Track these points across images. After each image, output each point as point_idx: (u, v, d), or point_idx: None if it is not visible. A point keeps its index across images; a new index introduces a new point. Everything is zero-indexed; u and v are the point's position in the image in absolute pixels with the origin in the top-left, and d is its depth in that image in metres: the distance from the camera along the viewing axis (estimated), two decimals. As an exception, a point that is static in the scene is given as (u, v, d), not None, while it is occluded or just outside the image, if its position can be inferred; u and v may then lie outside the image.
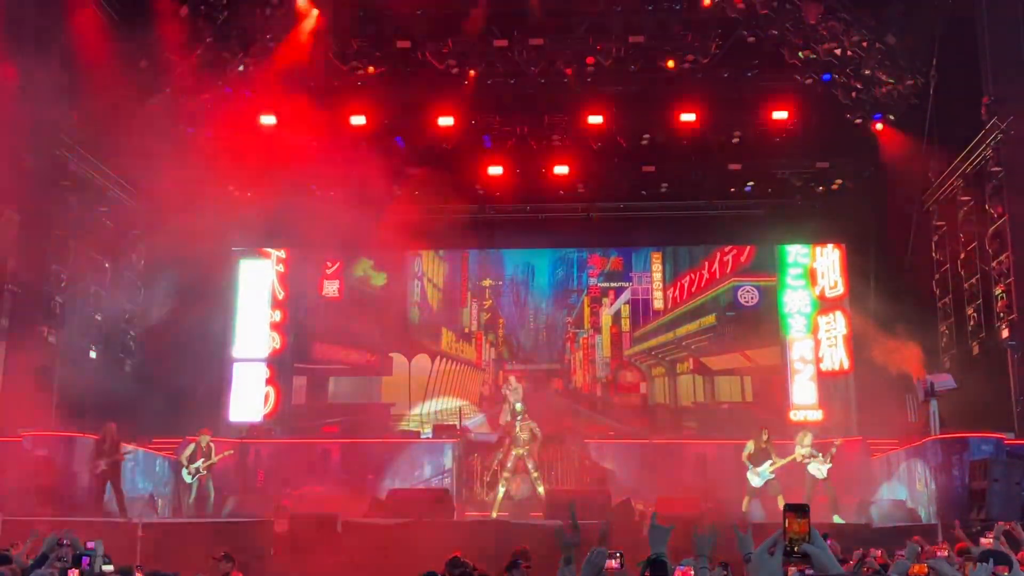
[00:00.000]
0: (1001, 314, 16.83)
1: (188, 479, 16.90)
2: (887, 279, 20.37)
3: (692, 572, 6.06)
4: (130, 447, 16.61)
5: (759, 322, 22.72)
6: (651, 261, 23.49)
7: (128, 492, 16.36)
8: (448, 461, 20.26)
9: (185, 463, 16.96)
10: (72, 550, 7.55)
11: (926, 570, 6.00)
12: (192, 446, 17.10)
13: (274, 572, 13.33)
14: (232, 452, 17.91)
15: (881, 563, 8.77)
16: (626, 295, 23.42)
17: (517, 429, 18.74)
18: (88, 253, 18.84)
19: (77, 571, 6.62)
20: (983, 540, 9.57)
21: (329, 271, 23.61)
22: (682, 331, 23.02)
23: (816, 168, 22.12)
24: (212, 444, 17.29)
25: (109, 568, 7.63)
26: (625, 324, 23.30)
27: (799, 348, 22.40)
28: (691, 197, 22.74)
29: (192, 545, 12.54)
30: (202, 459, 16.92)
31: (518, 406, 18.99)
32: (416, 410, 22.80)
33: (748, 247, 22.98)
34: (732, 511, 16.02)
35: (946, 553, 8.74)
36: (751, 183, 22.49)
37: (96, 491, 15.87)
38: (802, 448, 16.44)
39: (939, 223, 20.20)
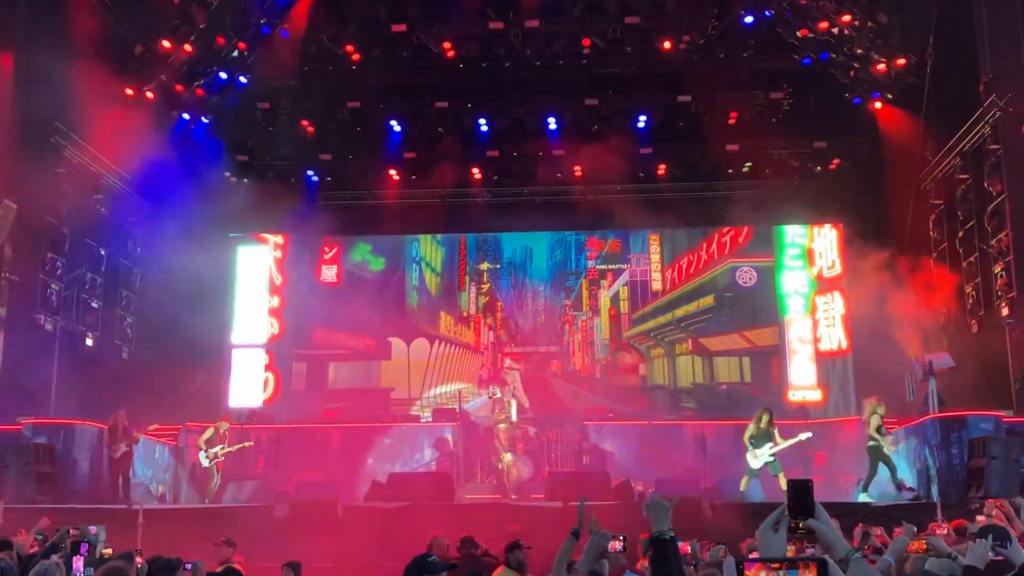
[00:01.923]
0: (1000, 292, 16.83)
1: (206, 463, 16.89)
2: (885, 258, 20.34)
3: (690, 548, 6.11)
4: (140, 435, 16.70)
5: (757, 303, 22.72)
6: (649, 243, 23.47)
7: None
8: (448, 444, 20.31)
9: (203, 447, 16.94)
10: (81, 538, 7.56)
11: (924, 547, 6.05)
12: (211, 431, 17.11)
13: (275, 557, 13.34)
14: (252, 444, 17.83)
15: (881, 542, 8.79)
16: (624, 277, 23.41)
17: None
18: (84, 241, 18.81)
19: (81, 559, 6.61)
20: (979, 518, 9.61)
21: (327, 256, 23.58)
22: (680, 312, 23.01)
23: (813, 148, 22.10)
24: (229, 432, 17.29)
25: (109, 552, 7.66)
26: (624, 306, 23.30)
27: (797, 328, 22.40)
28: (688, 178, 22.71)
29: (193, 531, 12.57)
30: (221, 445, 16.93)
31: (490, 389, 19.02)
32: (416, 394, 22.83)
33: (746, 228, 22.95)
34: (731, 491, 16.03)
35: (945, 531, 8.75)
36: (748, 164, 22.44)
37: (112, 477, 15.95)
38: (875, 417, 15.62)
39: (937, 201, 20.17)
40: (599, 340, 23.20)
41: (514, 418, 18.49)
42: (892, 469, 15.49)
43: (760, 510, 14.52)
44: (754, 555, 6.25)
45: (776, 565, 2.89)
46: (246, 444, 17.53)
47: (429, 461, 20.19)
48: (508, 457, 18.13)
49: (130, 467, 16.24)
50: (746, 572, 2.90)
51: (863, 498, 15.01)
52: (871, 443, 15.65)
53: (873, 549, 8.03)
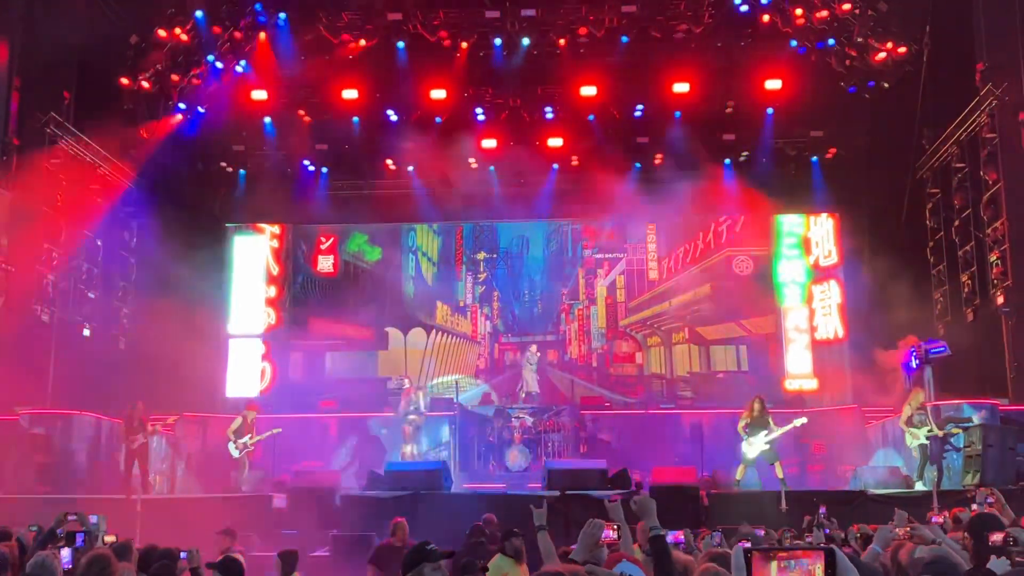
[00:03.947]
0: (996, 280, 16.87)
1: (236, 454, 16.85)
2: (881, 247, 20.38)
3: (683, 536, 6.16)
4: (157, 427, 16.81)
5: (754, 291, 22.73)
6: (646, 232, 23.49)
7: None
8: (445, 434, 20.35)
9: (232, 438, 16.88)
10: (80, 525, 7.57)
11: (908, 534, 6.18)
12: (239, 420, 17.04)
13: (274, 546, 13.37)
14: (280, 431, 17.72)
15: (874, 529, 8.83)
16: (621, 266, 23.44)
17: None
18: (80, 232, 18.79)
19: (69, 551, 6.57)
20: (973, 507, 9.66)
21: (323, 246, 23.58)
22: (677, 301, 23.04)
23: (810, 137, 22.09)
24: (257, 421, 17.24)
25: (112, 539, 7.67)
26: (620, 295, 23.33)
27: (794, 317, 22.44)
28: (685, 167, 22.64)
29: (191, 521, 12.59)
30: (249, 435, 16.90)
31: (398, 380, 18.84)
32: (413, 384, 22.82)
33: (742, 217, 22.97)
34: (727, 480, 16.07)
35: (942, 520, 8.79)
36: (745, 153, 22.44)
37: (127, 468, 15.92)
38: (910, 409, 15.24)
39: (933, 191, 20.21)
40: (596, 329, 23.23)
41: (423, 409, 18.34)
42: (922, 463, 15.20)
43: (757, 498, 14.59)
44: (743, 543, 6.31)
45: (784, 554, 2.92)
46: (274, 431, 17.40)
47: (427, 451, 20.22)
48: (409, 448, 18.06)
49: (147, 458, 16.19)
50: (754, 560, 2.93)
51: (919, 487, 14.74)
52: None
53: (865, 538, 8.07)
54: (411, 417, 18.15)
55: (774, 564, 2.93)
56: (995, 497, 9.30)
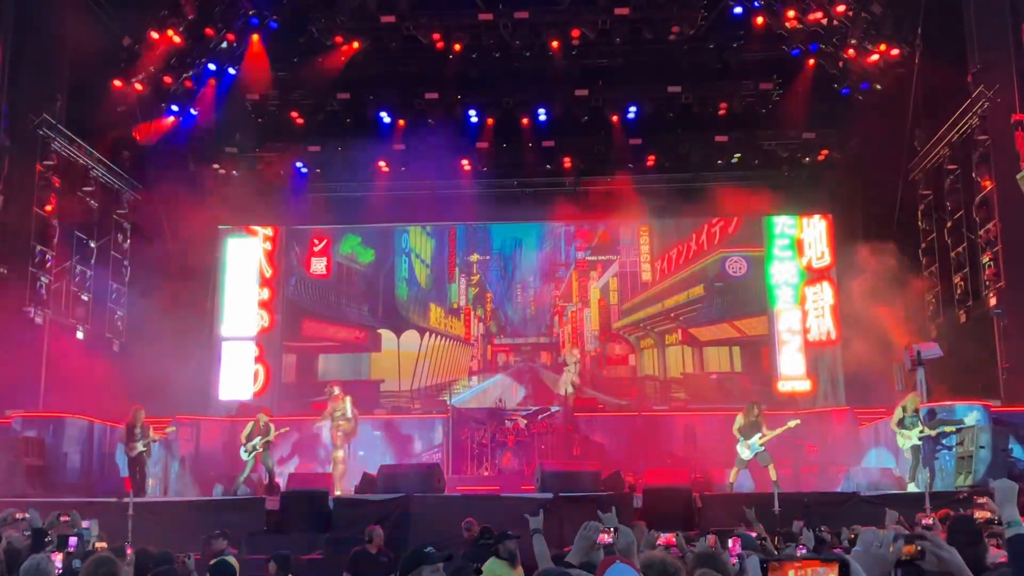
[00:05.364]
0: (988, 282, 16.90)
1: (245, 456, 16.94)
2: (874, 249, 20.41)
3: (674, 539, 6.19)
4: (170, 428, 16.80)
5: (747, 293, 22.76)
6: (639, 233, 23.48)
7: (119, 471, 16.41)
8: (438, 436, 20.35)
9: (244, 441, 17.00)
10: (71, 526, 7.56)
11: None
12: (251, 425, 17.14)
13: (267, 549, 13.34)
14: (287, 429, 17.73)
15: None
16: (614, 268, 23.43)
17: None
18: (73, 233, 18.75)
19: (61, 555, 6.55)
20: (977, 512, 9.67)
21: (316, 248, 23.54)
22: (670, 302, 23.05)
23: (802, 139, 22.12)
24: (271, 424, 17.27)
25: (103, 545, 7.66)
26: (613, 297, 23.33)
27: (786, 319, 22.46)
28: (678, 169, 22.73)
29: (186, 523, 12.58)
30: (259, 437, 16.96)
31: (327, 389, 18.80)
32: (406, 386, 22.83)
33: (735, 218, 22.99)
34: (721, 481, 16.10)
35: (931, 521, 8.81)
36: (738, 155, 22.49)
37: (134, 473, 15.88)
38: (902, 412, 15.29)
39: (925, 192, 20.25)
40: (589, 331, 23.23)
41: (349, 415, 18.25)
42: (914, 464, 15.18)
43: (750, 500, 14.61)
44: (734, 541, 6.33)
45: (800, 563, 2.97)
46: (282, 431, 17.47)
47: (420, 452, 20.24)
48: (340, 454, 18.02)
49: (144, 466, 16.17)
50: (771, 570, 2.98)
51: (911, 488, 14.75)
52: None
53: (855, 536, 8.10)
54: (340, 423, 18.05)
55: (791, 573, 3.00)
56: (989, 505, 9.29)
